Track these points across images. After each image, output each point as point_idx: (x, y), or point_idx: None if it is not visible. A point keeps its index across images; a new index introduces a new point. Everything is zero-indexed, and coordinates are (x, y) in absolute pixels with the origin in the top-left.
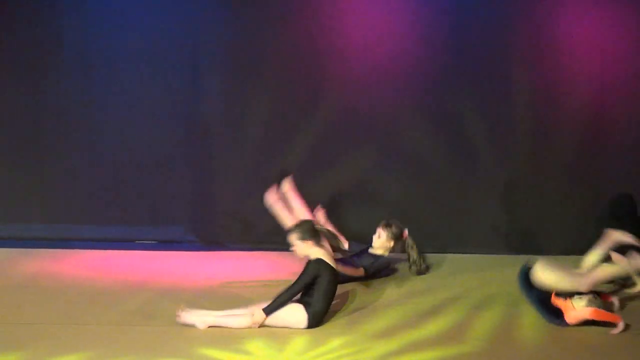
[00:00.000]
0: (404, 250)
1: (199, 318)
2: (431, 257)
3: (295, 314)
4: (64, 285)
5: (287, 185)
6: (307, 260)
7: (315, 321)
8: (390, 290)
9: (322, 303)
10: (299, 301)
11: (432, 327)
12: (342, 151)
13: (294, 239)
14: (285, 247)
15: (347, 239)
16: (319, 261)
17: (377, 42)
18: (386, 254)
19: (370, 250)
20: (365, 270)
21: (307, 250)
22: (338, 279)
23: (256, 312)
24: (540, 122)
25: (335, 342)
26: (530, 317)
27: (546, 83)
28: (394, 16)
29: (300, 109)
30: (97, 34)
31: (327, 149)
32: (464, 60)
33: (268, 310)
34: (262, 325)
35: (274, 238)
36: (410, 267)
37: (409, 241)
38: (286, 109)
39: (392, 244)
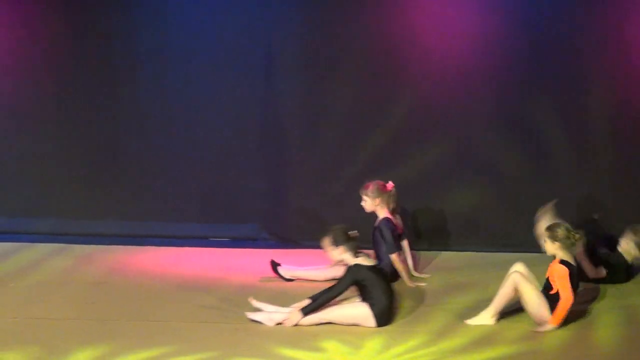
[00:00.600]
0: None
1: (268, 315)
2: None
3: (362, 313)
4: (138, 282)
5: None
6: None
7: (383, 319)
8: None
9: (383, 300)
10: (363, 300)
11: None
12: (416, 151)
13: (326, 243)
14: (360, 245)
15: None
16: (355, 266)
17: (454, 43)
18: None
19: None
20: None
21: (340, 256)
22: (387, 276)
23: (294, 312)
24: (617, 125)
25: (412, 342)
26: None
27: (622, 87)
28: (472, 17)
29: (375, 108)
30: (172, 34)
31: (401, 148)
32: (541, 66)
33: (305, 312)
34: (330, 323)
35: None
36: None
37: None
38: (361, 107)
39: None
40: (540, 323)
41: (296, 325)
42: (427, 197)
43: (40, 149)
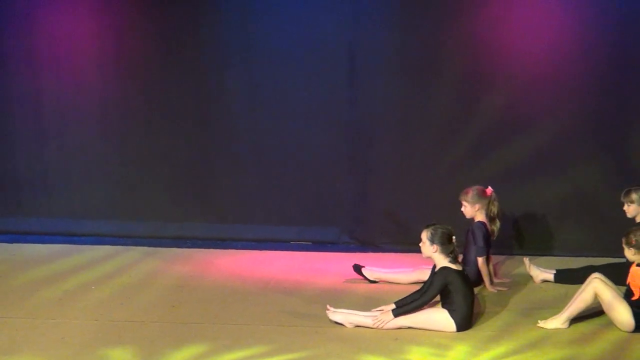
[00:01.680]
0: None
1: (346, 317)
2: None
3: (442, 319)
4: (219, 285)
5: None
6: (433, 269)
7: (463, 324)
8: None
9: (463, 306)
10: (442, 306)
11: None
12: (505, 153)
13: (424, 236)
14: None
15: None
16: (444, 269)
17: (542, 47)
18: None
19: None
20: None
21: (431, 253)
22: (470, 282)
23: (386, 313)
24: None
25: (498, 349)
26: None
27: None
28: (563, 21)
29: (463, 111)
30: (258, 35)
31: (487, 152)
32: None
33: (396, 314)
34: (410, 328)
35: None
36: None
37: None
38: (449, 110)
39: None
40: (625, 329)
41: (375, 328)
42: (512, 200)
43: (125, 152)
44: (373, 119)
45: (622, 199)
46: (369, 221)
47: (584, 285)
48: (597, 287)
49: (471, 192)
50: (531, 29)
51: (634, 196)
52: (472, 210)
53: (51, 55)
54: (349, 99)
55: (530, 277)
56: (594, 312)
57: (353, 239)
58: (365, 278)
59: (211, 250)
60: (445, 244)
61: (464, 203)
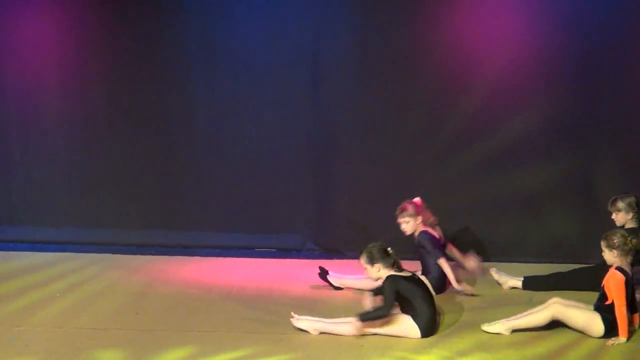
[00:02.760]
0: None
1: (311, 324)
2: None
3: (405, 324)
4: (183, 292)
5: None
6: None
7: (428, 330)
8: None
9: (426, 310)
10: (404, 312)
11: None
12: (468, 162)
13: (363, 262)
14: (405, 256)
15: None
16: (390, 277)
17: (511, 51)
18: None
19: None
20: None
21: (377, 273)
22: (424, 285)
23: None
24: None
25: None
26: None
27: None
28: (525, 26)
29: (426, 118)
30: (221, 44)
31: (449, 159)
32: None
33: (362, 320)
34: (376, 334)
35: (394, 247)
36: None
37: None
38: (412, 117)
39: None
40: (595, 335)
41: (340, 335)
42: (475, 206)
43: (87, 161)
44: (336, 125)
45: (609, 208)
46: (333, 228)
47: (542, 307)
48: (561, 315)
49: (410, 207)
50: (495, 31)
51: (620, 204)
52: (414, 224)
53: (15, 67)
54: (312, 105)
55: (498, 285)
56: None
57: (317, 246)
58: (330, 284)
59: (175, 257)
60: (384, 257)
61: (406, 219)
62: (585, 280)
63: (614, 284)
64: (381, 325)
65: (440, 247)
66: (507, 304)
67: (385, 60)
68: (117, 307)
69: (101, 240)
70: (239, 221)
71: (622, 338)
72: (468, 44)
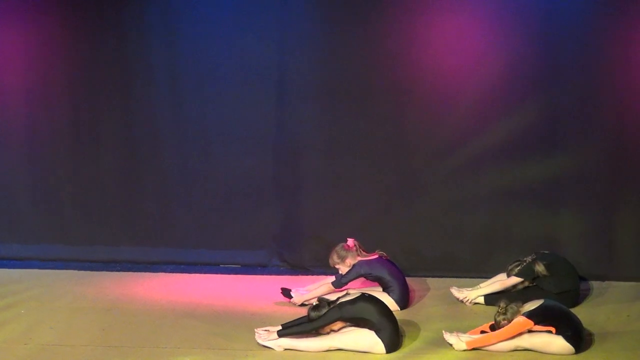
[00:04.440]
0: None
1: (275, 341)
2: None
3: (369, 340)
4: (149, 308)
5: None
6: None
7: (391, 345)
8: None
9: (387, 326)
10: (371, 328)
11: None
12: (433, 177)
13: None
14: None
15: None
16: (338, 306)
17: (472, 65)
18: None
19: None
20: None
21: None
22: (376, 300)
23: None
24: None
25: None
26: None
27: None
28: (488, 40)
29: (388, 133)
30: (185, 58)
31: (415, 175)
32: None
33: (282, 334)
34: (340, 350)
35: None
36: None
37: None
38: (374, 133)
39: None
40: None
41: (304, 351)
42: (441, 220)
43: (52, 176)
44: (301, 141)
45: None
46: (298, 244)
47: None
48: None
49: (335, 255)
50: (456, 49)
51: (510, 270)
52: (347, 265)
53: None
54: (277, 121)
55: (461, 302)
56: None
57: (283, 261)
58: (294, 303)
59: (140, 273)
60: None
61: (336, 266)
62: (542, 293)
63: (515, 324)
64: (344, 340)
65: (384, 264)
66: (471, 319)
67: (349, 75)
68: (83, 323)
69: (67, 257)
70: (204, 237)
71: (465, 345)
72: (433, 57)
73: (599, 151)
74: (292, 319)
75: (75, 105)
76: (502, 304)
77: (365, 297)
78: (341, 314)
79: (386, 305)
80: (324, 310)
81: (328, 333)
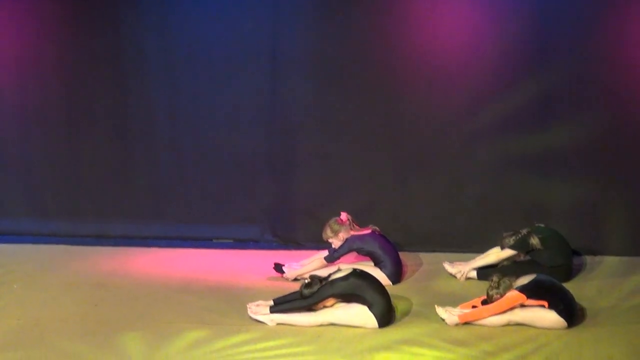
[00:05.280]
0: None
1: (268, 316)
2: None
3: (362, 315)
4: (142, 283)
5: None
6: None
7: (384, 320)
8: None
9: (379, 301)
10: (363, 303)
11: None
12: (426, 154)
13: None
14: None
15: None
16: (330, 284)
17: (463, 46)
18: None
19: None
20: None
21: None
22: (368, 276)
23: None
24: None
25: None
26: None
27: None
28: (483, 16)
29: (380, 112)
30: (179, 37)
31: (408, 152)
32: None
33: (274, 311)
34: (332, 324)
35: None
36: None
37: None
38: (366, 111)
39: None
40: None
41: (297, 325)
42: (427, 201)
43: (45, 151)
44: (294, 118)
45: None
46: (291, 219)
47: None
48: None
49: (328, 228)
50: (447, 28)
51: (505, 242)
52: (340, 239)
53: None
54: (271, 98)
55: (454, 277)
56: None
57: (275, 236)
58: (286, 278)
59: (133, 248)
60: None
61: (329, 240)
62: (534, 268)
63: (508, 298)
64: (336, 314)
65: (376, 239)
66: (464, 294)
67: (343, 56)
68: (76, 298)
69: (60, 232)
70: (197, 212)
71: (457, 319)
72: (428, 33)
73: (593, 126)
74: (283, 294)
75: (67, 80)
76: (495, 278)
77: (356, 273)
78: (333, 290)
79: (378, 281)
80: (316, 287)
81: (321, 309)
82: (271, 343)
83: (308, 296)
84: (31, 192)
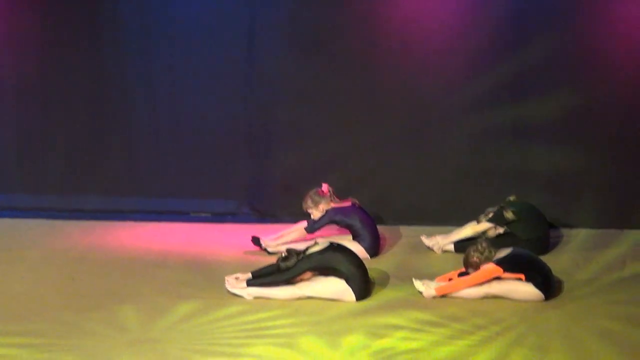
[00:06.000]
0: None
1: (245, 290)
2: None
3: (339, 288)
4: (118, 257)
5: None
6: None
7: (361, 293)
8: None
9: (356, 274)
10: (340, 277)
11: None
12: (404, 128)
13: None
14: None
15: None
16: (306, 257)
17: (443, 24)
18: None
19: None
20: None
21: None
22: (345, 249)
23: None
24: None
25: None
26: None
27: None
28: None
29: (360, 85)
30: (156, 8)
31: (386, 125)
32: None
33: (251, 284)
34: (310, 298)
35: None
36: None
37: None
38: (346, 85)
39: None
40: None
41: (274, 299)
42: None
43: (22, 124)
44: (271, 92)
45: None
46: (268, 193)
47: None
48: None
49: (309, 199)
50: (432, 1)
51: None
52: (320, 210)
53: None
54: (248, 73)
55: (431, 250)
56: None
57: (252, 210)
58: (265, 250)
59: (111, 222)
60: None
61: (309, 211)
62: (511, 241)
63: (485, 270)
64: (315, 288)
65: (356, 211)
66: (441, 267)
67: (320, 29)
68: (53, 273)
69: (35, 206)
70: (174, 186)
71: (434, 291)
72: (410, 8)
73: (569, 100)
74: (261, 267)
75: (43, 54)
76: (484, 244)
77: (334, 247)
78: (310, 264)
79: (355, 254)
80: (293, 261)
81: (298, 282)
82: (250, 317)
83: (285, 269)
84: (7, 167)
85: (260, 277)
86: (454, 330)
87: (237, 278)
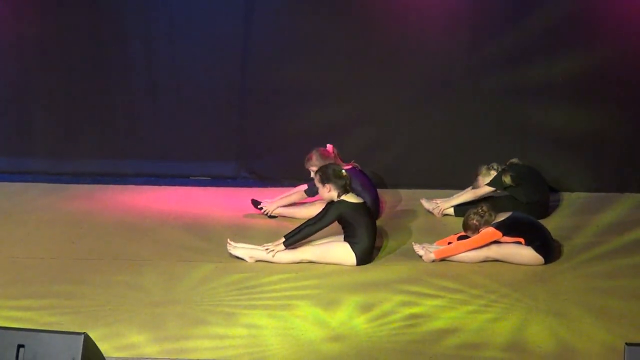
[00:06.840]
0: None
1: (247, 252)
2: None
3: (342, 251)
4: (119, 221)
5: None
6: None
7: (363, 258)
8: None
9: (365, 240)
10: (345, 239)
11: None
12: (405, 90)
13: (315, 181)
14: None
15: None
16: (339, 202)
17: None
18: None
19: None
20: None
21: (327, 193)
22: (372, 215)
23: (277, 243)
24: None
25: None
26: None
27: None
28: None
29: (360, 47)
30: None
31: (388, 86)
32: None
33: (287, 242)
34: (312, 262)
35: None
36: None
37: None
38: (347, 46)
39: None
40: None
41: (275, 262)
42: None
43: (19, 89)
44: (271, 52)
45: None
46: (268, 156)
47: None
48: (491, 253)
49: (314, 156)
50: None
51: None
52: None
53: None
54: (246, 31)
55: (430, 213)
56: None
57: (252, 174)
58: (265, 214)
59: (110, 186)
60: (336, 179)
61: (311, 169)
62: (512, 204)
63: (484, 233)
64: (317, 251)
65: (357, 175)
66: (441, 230)
67: None
68: (52, 236)
69: (35, 169)
70: (173, 149)
71: (433, 255)
72: None
73: (572, 61)
74: (261, 230)
75: (45, 20)
76: (485, 207)
77: (363, 206)
78: (341, 209)
79: (374, 221)
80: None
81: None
82: (249, 280)
83: (318, 218)
84: (6, 130)
85: (294, 235)
86: (455, 295)
87: (267, 248)
